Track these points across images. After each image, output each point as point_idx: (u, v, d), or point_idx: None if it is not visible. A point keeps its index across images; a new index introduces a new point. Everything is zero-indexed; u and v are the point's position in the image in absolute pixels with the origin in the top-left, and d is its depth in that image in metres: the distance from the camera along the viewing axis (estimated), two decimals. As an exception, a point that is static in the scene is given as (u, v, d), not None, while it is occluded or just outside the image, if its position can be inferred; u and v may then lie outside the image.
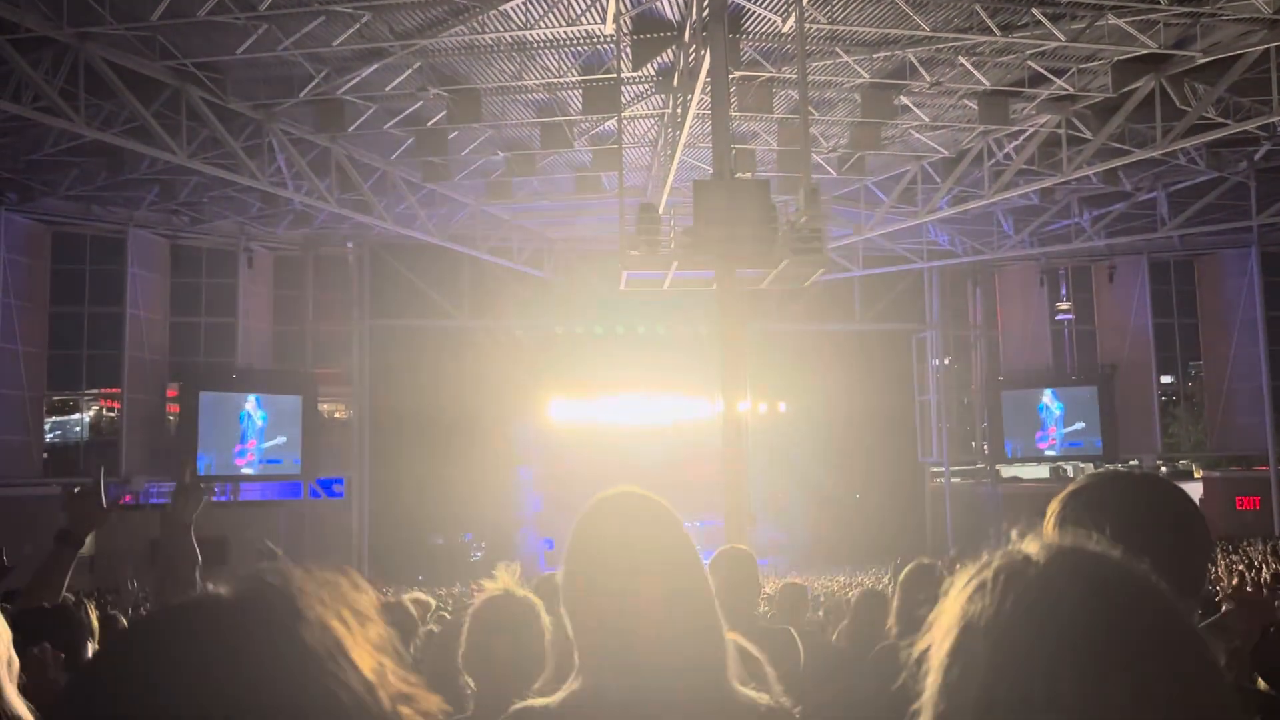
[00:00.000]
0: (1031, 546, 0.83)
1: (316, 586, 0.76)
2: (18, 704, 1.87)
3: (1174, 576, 1.52)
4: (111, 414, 28.57)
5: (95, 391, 28.62)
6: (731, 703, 1.54)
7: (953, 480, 33.32)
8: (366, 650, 0.74)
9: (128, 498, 28.75)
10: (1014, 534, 0.87)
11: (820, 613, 9.90)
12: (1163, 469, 31.64)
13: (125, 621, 4.01)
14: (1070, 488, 1.65)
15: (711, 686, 1.52)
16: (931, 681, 0.81)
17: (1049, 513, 1.61)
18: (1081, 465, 34.05)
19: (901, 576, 3.97)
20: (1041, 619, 0.77)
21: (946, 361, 34.29)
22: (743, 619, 3.78)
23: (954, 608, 0.82)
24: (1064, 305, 32.96)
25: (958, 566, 0.89)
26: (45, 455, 26.85)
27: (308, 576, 0.76)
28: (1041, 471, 35.06)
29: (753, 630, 3.61)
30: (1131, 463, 30.94)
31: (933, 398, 33.49)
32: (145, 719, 0.67)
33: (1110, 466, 30.97)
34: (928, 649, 0.83)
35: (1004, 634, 0.77)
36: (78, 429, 28.39)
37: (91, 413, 28.78)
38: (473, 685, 2.53)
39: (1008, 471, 34.01)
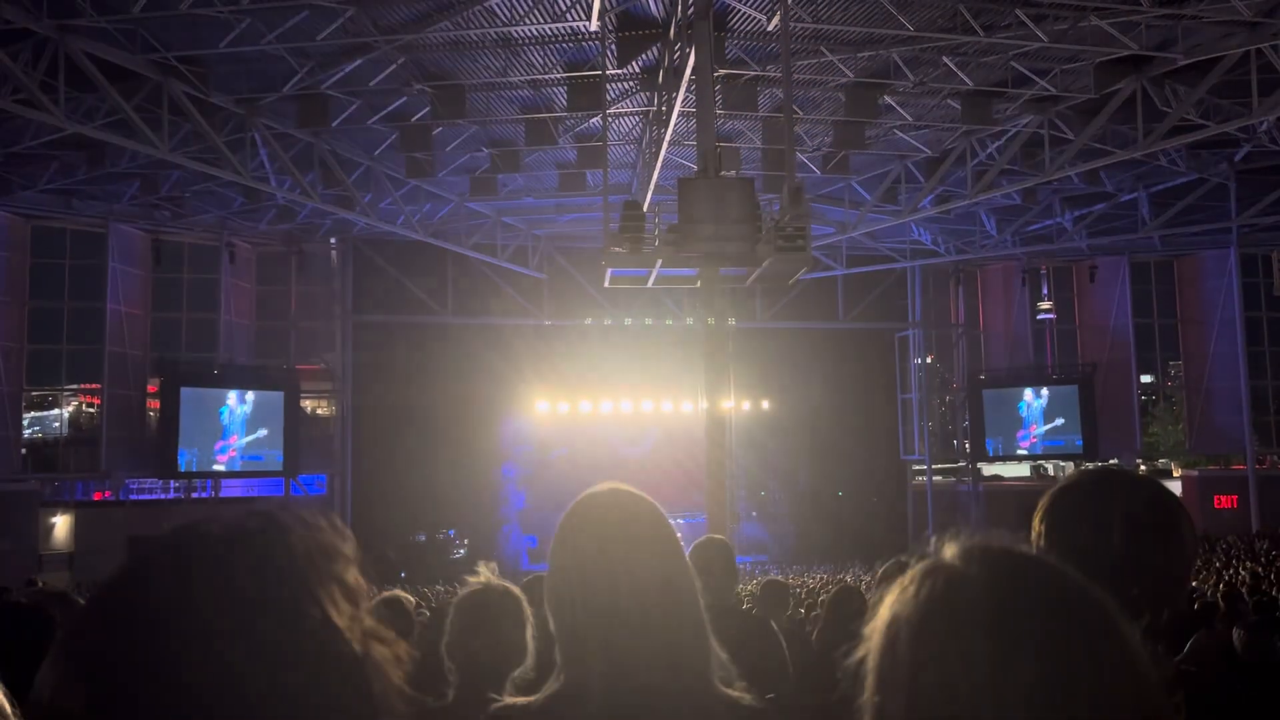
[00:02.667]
0: (949, 548, 0.90)
1: (303, 524, 0.81)
2: None
3: (1157, 574, 1.54)
4: (91, 409, 28.35)
5: (75, 387, 28.41)
6: (713, 701, 1.53)
7: (934, 478, 33.49)
8: (346, 590, 0.79)
9: (107, 494, 28.57)
10: (933, 539, 0.93)
11: (802, 610, 9.94)
12: (1142, 468, 31.90)
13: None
14: (1058, 486, 1.66)
15: (694, 684, 1.52)
16: (869, 681, 0.87)
17: (1038, 510, 1.63)
18: (1062, 464, 34.31)
19: (879, 574, 4.00)
20: (953, 609, 0.83)
21: (929, 360, 34.47)
22: (721, 607, 3.81)
23: (884, 610, 0.89)
24: (1045, 305, 33.16)
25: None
26: (24, 451, 26.61)
27: (294, 514, 0.82)
28: (1022, 470, 35.29)
29: (731, 619, 3.64)
30: (1111, 462, 31.18)
31: (915, 396, 33.65)
32: (163, 631, 0.72)
33: (1088, 465, 31.20)
34: (866, 654, 0.89)
35: (922, 627, 0.84)
36: (57, 424, 28.17)
37: (71, 408, 28.57)
38: (454, 673, 2.60)
39: (989, 470, 34.22)
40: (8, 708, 1.97)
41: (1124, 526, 1.54)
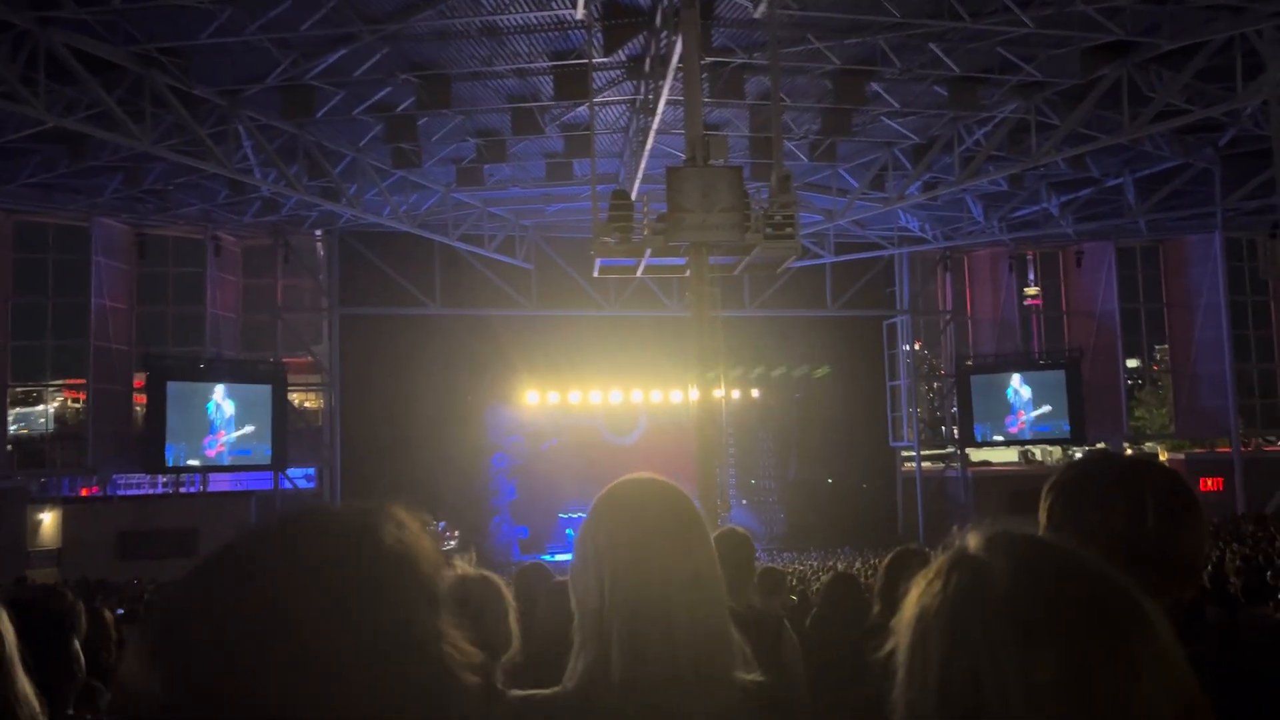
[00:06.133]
0: (974, 539, 0.90)
1: (398, 524, 0.83)
2: (26, 687, 1.93)
3: (1185, 554, 1.54)
4: (77, 405, 28.21)
5: (60, 382, 28.24)
6: (733, 692, 1.55)
7: (923, 465, 33.61)
8: (431, 595, 0.81)
9: (94, 489, 28.44)
10: (956, 529, 0.94)
11: (794, 598, 9.97)
12: (1129, 451, 32.08)
13: (109, 615, 3.97)
14: (1059, 476, 1.65)
15: (716, 676, 1.53)
16: (899, 675, 0.88)
17: (1047, 497, 1.62)
18: (1050, 449, 34.50)
19: (886, 561, 4.00)
20: (979, 601, 0.84)
21: (917, 347, 34.56)
22: (738, 604, 3.81)
23: (912, 604, 0.89)
24: (1032, 290, 33.27)
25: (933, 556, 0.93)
26: (10, 448, 26.46)
27: (388, 514, 0.84)
28: (1010, 455, 35.47)
29: (746, 615, 3.64)
30: (1099, 445, 31.35)
31: (903, 383, 33.73)
32: (253, 616, 0.72)
33: (1077, 452, 31.36)
34: (894, 648, 0.90)
35: (949, 619, 0.84)
36: (43, 421, 28.01)
37: (57, 404, 28.41)
38: None
39: (977, 455, 34.34)
40: (35, 704, 1.96)
41: (1158, 508, 1.55)
